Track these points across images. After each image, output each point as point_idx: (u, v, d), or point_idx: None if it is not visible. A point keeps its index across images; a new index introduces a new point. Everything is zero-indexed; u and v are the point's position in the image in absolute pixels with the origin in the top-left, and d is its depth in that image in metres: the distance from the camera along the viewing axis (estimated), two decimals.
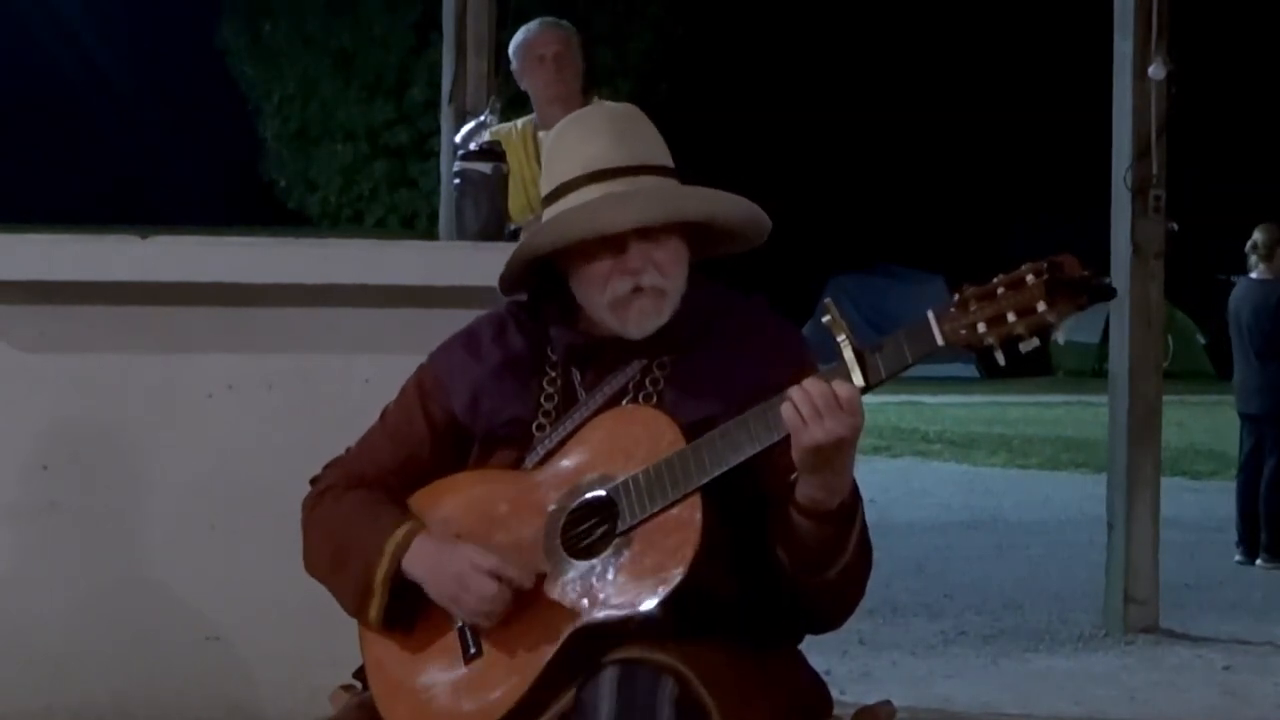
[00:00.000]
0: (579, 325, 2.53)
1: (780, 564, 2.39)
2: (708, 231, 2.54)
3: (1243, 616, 7.09)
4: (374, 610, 2.49)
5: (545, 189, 2.55)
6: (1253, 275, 8.94)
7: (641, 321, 2.48)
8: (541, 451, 2.50)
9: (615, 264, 2.46)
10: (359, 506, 2.56)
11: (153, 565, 4.30)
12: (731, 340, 2.51)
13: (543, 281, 2.57)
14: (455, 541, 2.46)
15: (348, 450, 2.68)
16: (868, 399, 2.30)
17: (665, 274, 2.48)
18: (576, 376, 2.54)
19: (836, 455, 2.28)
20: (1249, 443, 8.95)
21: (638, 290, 2.46)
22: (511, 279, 2.58)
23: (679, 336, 2.50)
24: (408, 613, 2.50)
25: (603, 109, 2.64)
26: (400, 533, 2.48)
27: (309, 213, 26.91)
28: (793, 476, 2.33)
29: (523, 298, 2.63)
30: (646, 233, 2.46)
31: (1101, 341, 20.36)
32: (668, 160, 2.54)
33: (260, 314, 4.33)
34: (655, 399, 2.48)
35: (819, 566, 2.37)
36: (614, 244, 2.46)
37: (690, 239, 2.52)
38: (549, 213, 2.53)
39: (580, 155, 2.51)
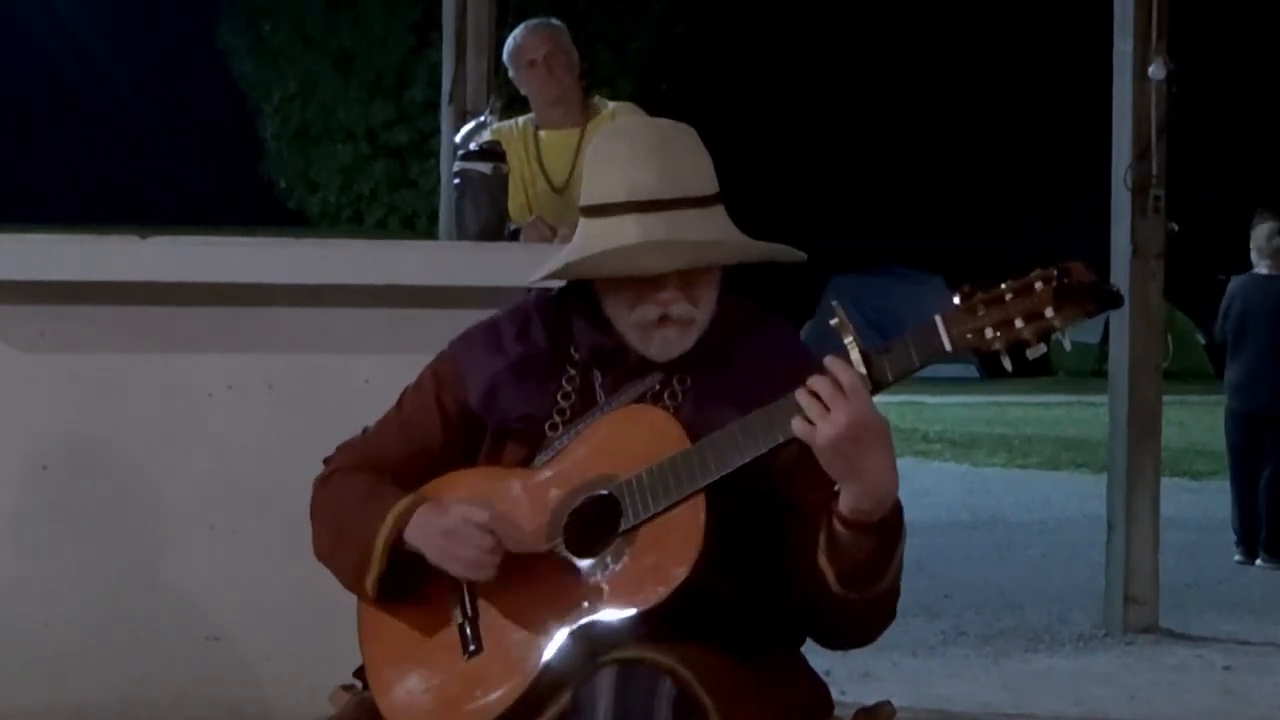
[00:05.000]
0: (605, 328, 2.52)
1: (823, 578, 2.36)
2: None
3: (1243, 616, 7.08)
4: (370, 578, 2.49)
5: (585, 199, 2.52)
6: (1261, 270, 8.87)
7: (665, 348, 2.47)
8: (552, 451, 2.50)
9: (645, 292, 2.46)
10: (364, 485, 2.57)
11: (153, 565, 4.30)
12: (754, 362, 2.50)
13: (573, 282, 2.57)
14: (454, 501, 2.46)
15: (364, 430, 2.69)
16: None
17: (696, 304, 2.48)
18: (597, 379, 2.54)
19: (860, 455, 2.25)
20: (1244, 441, 8.88)
21: (665, 319, 2.46)
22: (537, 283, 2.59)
23: (703, 354, 2.50)
24: (406, 595, 2.49)
25: (654, 127, 2.59)
26: (404, 503, 2.49)
27: (309, 213, 26.91)
28: (835, 488, 2.31)
29: (551, 290, 2.62)
30: (686, 271, 2.45)
31: (1101, 341, 20.35)
32: (711, 186, 2.50)
33: (260, 314, 4.34)
34: (672, 412, 2.47)
35: (866, 581, 2.35)
36: (654, 277, 2.45)
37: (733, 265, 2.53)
38: (585, 228, 2.51)
39: (624, 177, 2.47)
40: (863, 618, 2.43)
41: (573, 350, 2.55)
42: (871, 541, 2.32)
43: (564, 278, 2.53)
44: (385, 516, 2.48)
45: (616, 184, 2.48)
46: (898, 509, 2.33)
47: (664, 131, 2.55)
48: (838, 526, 2.32)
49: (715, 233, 2.48)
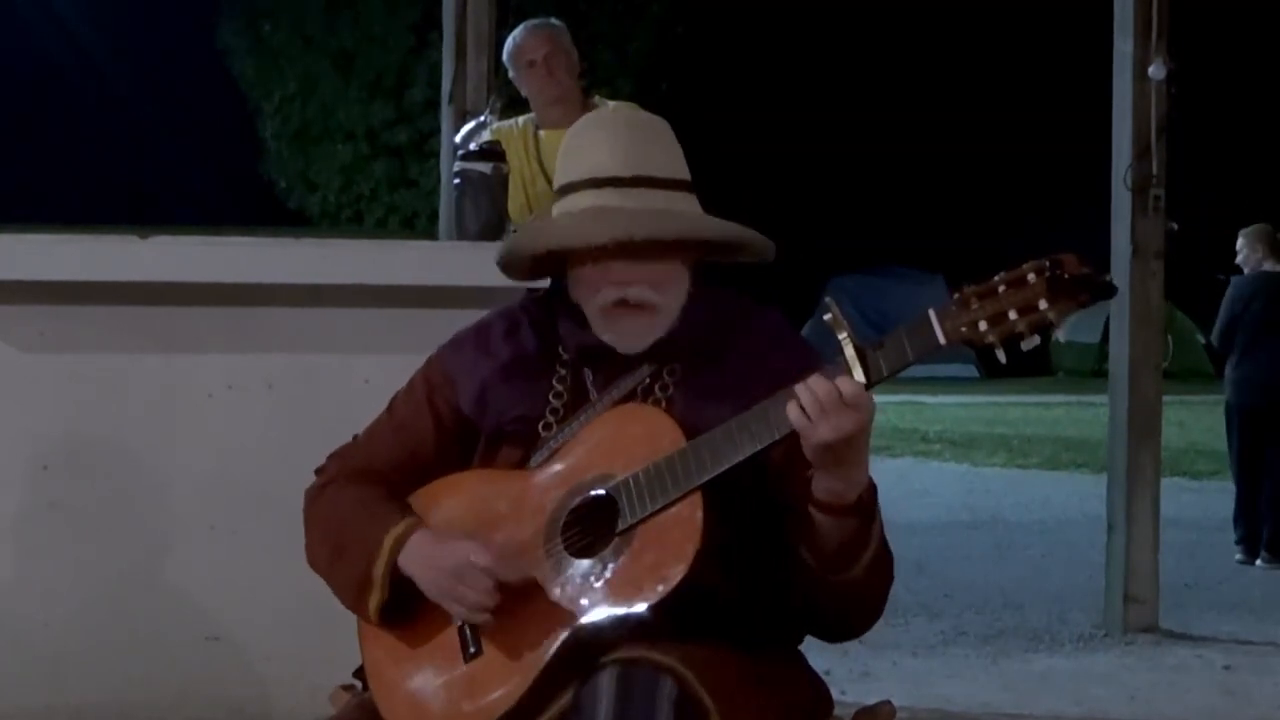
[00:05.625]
0: (591, 327, 2.52)
1: (806, 566, 2.38)
2: (710, 245, 2.53)
3: (1243, 616, 7.09)
4: (372, 604, 2.50)
5: (555, 185, 2.56)
6: (1271, 267, 8.85)
7: (629, 337, 2.48)
8: (546, 451, 2.50)
9: (603, 273, 2.47)
10: (360, 501, 2.56)
11: (153, 565, 4.30)
12: (744, 352, 2.50)
13: (559, 280, 2.57)
14: (453, 537, 2.46)
15: (354, 438, 2.68)
16: None
17: (657, 289, 2.47)
18: (589, 376, 2.54)
19: (849, 450, 2.27)
20: (1247, 438, 8.87)
21: (623, 303, 2.46)
22: (510, 272, 2.60)
23: (692, 344, 2.50)
24: (406, 609, 2.49)
25: (624, 114, 2.64)
26: (399, 527, 2.49)
27: (309, 213, 26.92)
28: (809, 473, 2.33)
29: (541, 289, 2.62)
30: (636, 248, 2.45)
31: (1101, 341, 20.36)
32: (678, 173, 2.52)
33: (260, 314, 4.33)
34: (664, 405, 2.47)
35: (844, 564, 2.37)
36: (607, 254, 2.46)
37: (697, 250, 2.52)
38: (549, 212, 2.54)
39: (587, 159, 2.50)
40: (852, 600, 2.44)
41: (561, 350, 2.56)
42: (850, 523, 2.34)
43: (512, 256, 2.55)
44: (382, 542, 2.48)
45: (580, 166, 2.50)
46: (872, 489, 2.36)
47: (632, 118, 2.59)
48: (816, 514, 2.34)
49: (666, 210, 2.48)
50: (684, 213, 2.49)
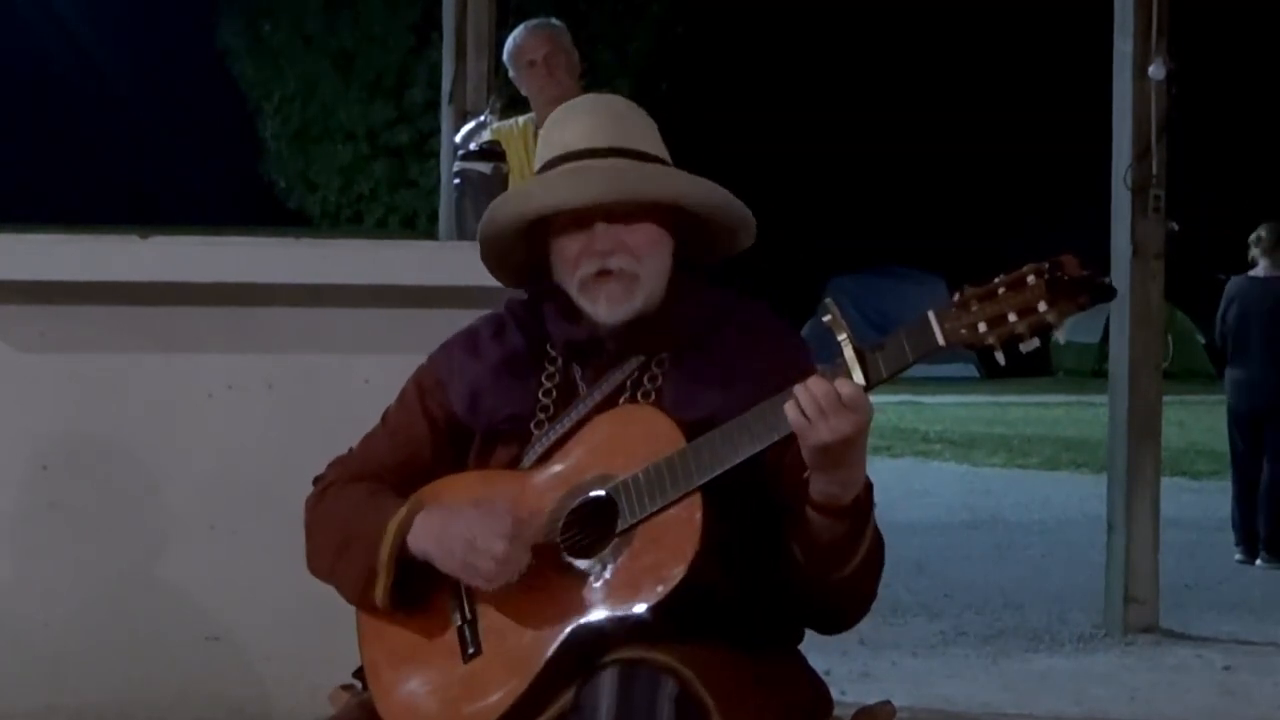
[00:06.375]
0: (579, 322, 2.53)
1: (797, 563, 2.38)
2: (693, 226, 2.53)
3: (1243, 616, 7.09)
4: (380, 589, 2.48)
5: (535, 169, 2.59)
6: (1257, 272, 8.89)
7: (611, 306, 2.47)
8: (540, 448, 2.50)
9: (584, 245, 2.47)
10: (361, 498, 2.56)
11: (153, 565, 4.30)
12: (733, 342, 2.51)
13: (544, 280, 2.57)
14: (460, 510, 2.45)
15: (350, 450, 2.69)
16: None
17: (637, 258, 2.47)
18: (578, 372, 2.54)
19: (846, 452, 2.27)
20: (1245, 440, 8.89)
21: (605, 273, 2.47)
22: (491, 260, 2.61)
23: (679, 334, 2.50)
24: (413, 597, 2.49)
25: (592, 97, 2.66)
26: (403, 511, 2.49)
27: (309, 213, 26.89)
28: (805, 474, 2.33)
29: (523, 296, 2.63)
30: (615, 214, 2.46)
31: (1101, 341, 20.34)
32: (653, 149, 2.53)
33: (260, 314, 4.34)
34: (653, 396, 2.48)
35: (836, 563, 2.37)
36: (585, 225, 2.47)
37: (676, 232, 2.52)
38: None
39: (559, 139, 2.53)
40: (842, 597, 2.44)
41: (549, 348, 2.57)
42: (844, 524, 2.34)
43: (491, 230, 2.57)
44: (386, 527, 2.48)
45: (554, 147, 2.53)
46: (869, 488, 2.36)
47: (603, 100, 2.61)
48: (811, 513, 2.34)
49: (642, 170, 2.49)
50: (660, 170, 2.50)
